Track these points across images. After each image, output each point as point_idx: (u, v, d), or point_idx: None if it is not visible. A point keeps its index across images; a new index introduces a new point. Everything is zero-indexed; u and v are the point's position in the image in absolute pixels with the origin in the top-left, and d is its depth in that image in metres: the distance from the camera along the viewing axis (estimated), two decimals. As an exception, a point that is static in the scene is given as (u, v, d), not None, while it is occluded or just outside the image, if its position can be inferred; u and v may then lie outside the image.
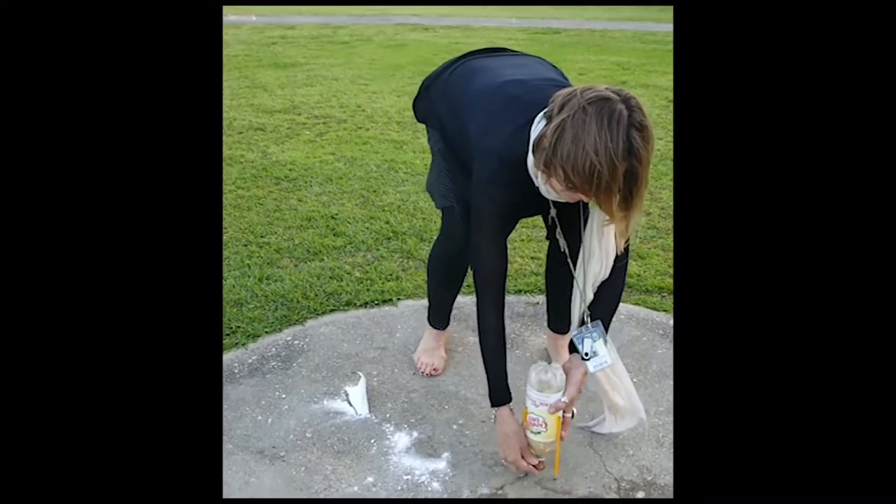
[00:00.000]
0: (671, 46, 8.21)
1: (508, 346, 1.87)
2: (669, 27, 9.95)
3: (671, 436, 1.55)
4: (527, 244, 2.53)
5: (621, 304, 2.14)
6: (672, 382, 1.74)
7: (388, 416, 1.57)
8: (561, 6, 12.21)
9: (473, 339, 1.91)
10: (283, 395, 1.63)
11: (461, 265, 1.67)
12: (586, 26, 10.05)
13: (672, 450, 1.50)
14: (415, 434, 1.51)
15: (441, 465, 1.42)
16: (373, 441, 1.49)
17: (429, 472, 1.40)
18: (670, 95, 5.28)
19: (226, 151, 3.55)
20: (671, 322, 2.03)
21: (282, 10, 10.98)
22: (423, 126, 1.59)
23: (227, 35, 8.10)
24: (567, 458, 1.46)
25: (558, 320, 1.78)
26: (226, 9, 11.27)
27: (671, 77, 6.11)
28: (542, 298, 2.16)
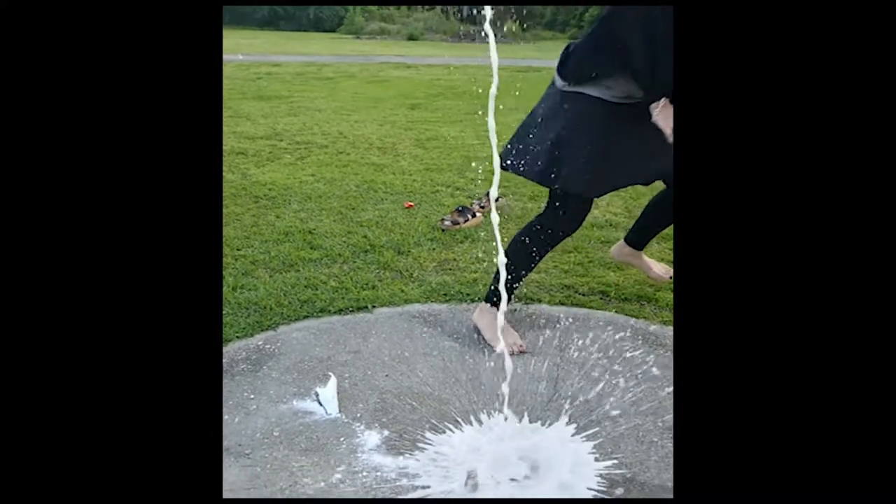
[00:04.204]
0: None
1: (487, 350, 1.85)
2: (646, 67, 10.21)
3: (651, 434, 1.52)
4: (505, 256, 2.52)
5: (601, 312, 2.14)
6: (652, 385, 1.71)
7: (359, 415, 1.52)
8: (541, 44, 12.56)
9: (449, 343, 1.88)
10: (252, 396, 1.58)
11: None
12: (566, 65, 10.34)
13: (652, 448, 1.47)
14: (385, 433, 1.46)
15: (411, 462, 1.37)
16: (342, 439, 1.44)
17: (398, 469, 1.34)
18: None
19: (205, 173, 3.54)
20: (651, 328, 2.02)
21: (268, 49, 11.20)
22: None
23: (213, 71, 8.19)
24: (547, 455, 1.41)
25: (640, 238, 2.19)
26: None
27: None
28: (519, 306, 2.14)
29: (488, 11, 1.32)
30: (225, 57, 9.96)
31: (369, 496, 1.28)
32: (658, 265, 2.29)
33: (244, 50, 11.05)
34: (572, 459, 1.40)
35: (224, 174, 3.57)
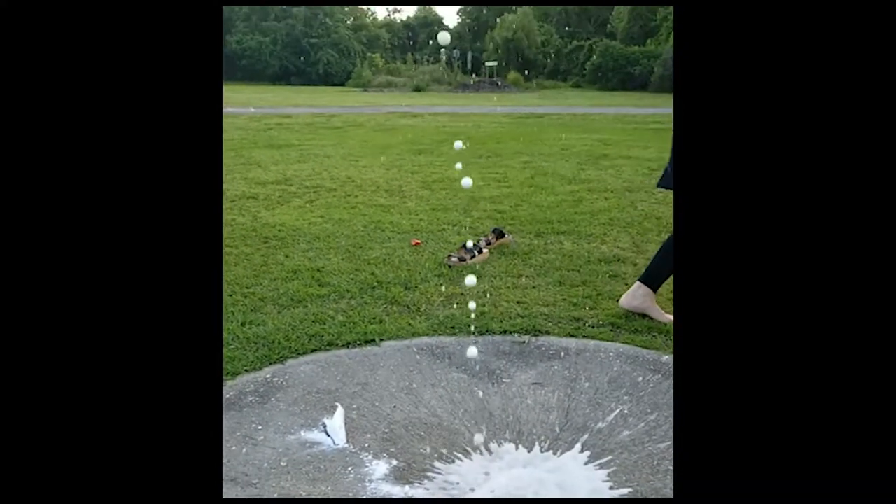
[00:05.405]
0: (651, 126, 8.58)
1: (495, 381, 1.84)
2: (648, 111, 10.44)
3: (666, 462, 1.48)
4: (512, 291, 2.52)
5: (610, 343, 2.12)
6: (666, 414, 1.68)
7: (367, 445, 1.50)
8: (545, 96, 12.87)
9: (457, 374, 1.86)
10: (259, 427, 1.56)
11: None
12: (568, 111, 10.55)
13: (668, 476, 1.43)
14: (394, 462, 1.44)
15: (419, 490, 1.34)
16: (349, 469, 1.41)
17: (406, 498, 1.31)
18: (652, 164, 5.45)
19: (215, 217, 3.59)
20: (662, 358, 1.99)
21: (279, 101, 11.54)
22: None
23: (225, 123, 8.43)
24: (562, 482, 1.38)
25: (654, 277, 2.28)
26: (225, 101, 11.83)
27: (651, 150, 6.34)
28: (528, 338, 2.13)
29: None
30: (237, 110, 10.26)
31: (378, 526, 1.24)
32: (670, 316, 2.29)
33: (256, 104, 11.38)
34: (587, 488, 1.37)
35: (234, 217, 3.62)
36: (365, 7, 33.93)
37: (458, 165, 1.54)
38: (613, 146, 6.69)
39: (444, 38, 1.37)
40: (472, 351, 1.53)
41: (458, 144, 1.43)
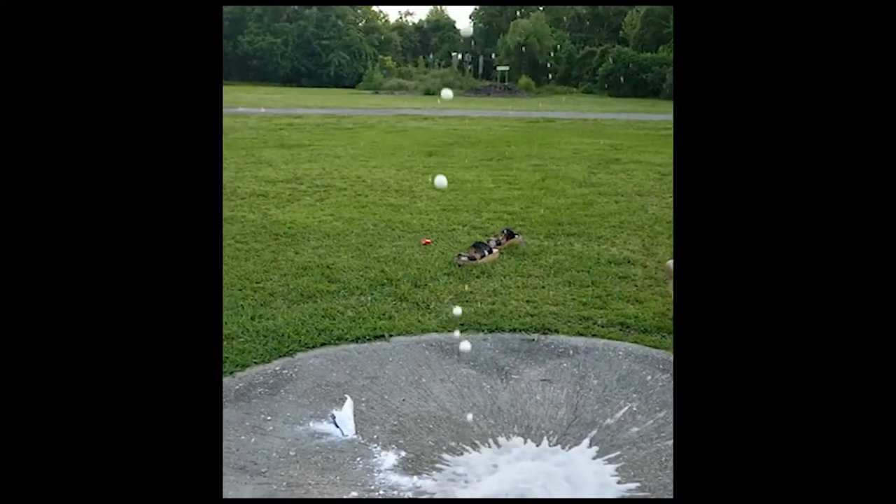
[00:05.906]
0: (662, 132, 8.56)
1: (504, 377, 1.84)
2: (660, 117, 10.43)
3: (672, 459, 1.47)
4: (521, 290, 2.52)
5: (619, 343, 2.12)
6: (671, 411, 1.67)
7: (375, 437, 1.51)
8: (556, 101, 12.90)
9: (465, 370, 1.87)
10: (269, 418, 1.57)
11: None
12: (579, 116, 10.54)
13: (672, 472, 1.43)
14: (402, 454, 1.44)
15: (427, 482, 1.34)
16: (358, 460, 1.42)
17: (415, 489, 1.32)
18: (662, 169, 5.43)
19: (227, 213, 3.61)
20: (671, 358, 1.99)
21: (290, 103, 11.61)
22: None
23: (237, 122, 8.49)
24: (570, 475, 1.38)
25: None
26: (236, 101, 11.89)
27: (663, 155, 6.32)
28: (537, 336, 2.13)
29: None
30: (247, 110, 10.33)
31: (385, 516, 1.25)
32: None
33: (267, 104, 11.45)
34: (595, 481, 1.37)
35: (245, 214, 3.65)
36: (376, 9, 34.06)
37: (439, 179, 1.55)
38: (624, 151, 6.68)
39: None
40: (466, 345, 1.61)
41: (441, 180, 1.47)
